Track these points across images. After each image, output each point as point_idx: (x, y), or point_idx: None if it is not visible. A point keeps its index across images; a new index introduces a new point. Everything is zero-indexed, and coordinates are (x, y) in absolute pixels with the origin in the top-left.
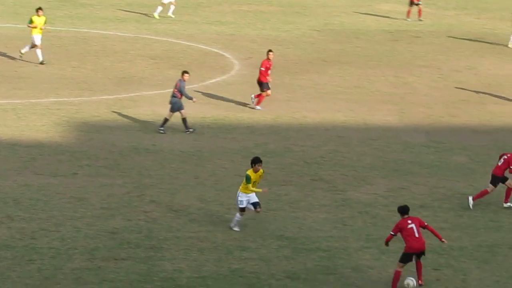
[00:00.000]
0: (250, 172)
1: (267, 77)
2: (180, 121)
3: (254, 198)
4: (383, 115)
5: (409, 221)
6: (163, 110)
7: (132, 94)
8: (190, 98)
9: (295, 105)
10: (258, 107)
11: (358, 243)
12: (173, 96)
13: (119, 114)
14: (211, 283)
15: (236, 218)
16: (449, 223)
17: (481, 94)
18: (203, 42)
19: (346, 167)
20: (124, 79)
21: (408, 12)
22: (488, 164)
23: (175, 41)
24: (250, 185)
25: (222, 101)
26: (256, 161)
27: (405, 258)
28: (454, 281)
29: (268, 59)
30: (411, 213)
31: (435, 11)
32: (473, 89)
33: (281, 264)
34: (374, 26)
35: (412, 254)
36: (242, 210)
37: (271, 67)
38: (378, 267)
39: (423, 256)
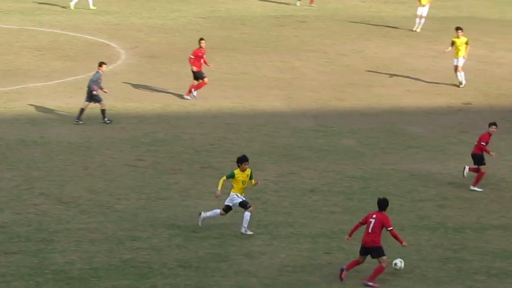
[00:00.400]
0: (236, 171)
1: (200, 65)
2: (77, 112)
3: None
4: (271, 101)
5: (374, 216)
6: (50, 102)
7: (18, 87)
8: (91, 91)
9: (183, 93)
10: (194, 93)
11: (250, 229)
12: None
13: (5, 107)
14: (102, 274)
15: (213, 213)
16: (339, 206)
17: (368, 77)
18: (89, 32)
19: (236, 154)
20: (10, 72)
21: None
22: (377, 147)
23: (60, 32)
24: (227, 179)
25: (109, 91)
26: (242, 160)
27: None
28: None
29: (200, 47)
30: (301, 198)
31: None
32: (360, 73)
33: (173, 253)
34: (260, 12)
35: (362, 247)
36: (229, 209)
37: (203, 55)
38: (269, 253)
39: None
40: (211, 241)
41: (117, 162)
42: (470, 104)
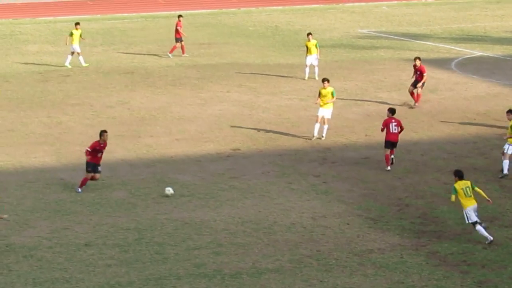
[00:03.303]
0: (456, 184)
1: None
2: None
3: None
4: (40, 157)
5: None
6: None
7: None
8: None
9: None
10: None
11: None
12: None
13: None
14: None
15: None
16: (115, 259)
17: (135, 127)
18: None
19: (7, 212)
20: None
21: (173, 48)
22: (149, 197)
23: None
24: (454, 196)
25: None
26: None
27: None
28: None
29: None
30: (76, 252)
31: (82, 48)
32: (127, 123)
33: None
34: (23, 68)
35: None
36: (476, 223)
37: None
38: None
39: None
40: None
41: None
42: (239, 150)
